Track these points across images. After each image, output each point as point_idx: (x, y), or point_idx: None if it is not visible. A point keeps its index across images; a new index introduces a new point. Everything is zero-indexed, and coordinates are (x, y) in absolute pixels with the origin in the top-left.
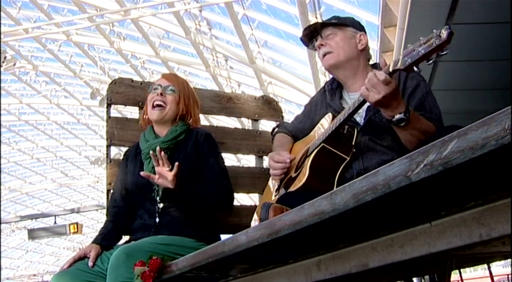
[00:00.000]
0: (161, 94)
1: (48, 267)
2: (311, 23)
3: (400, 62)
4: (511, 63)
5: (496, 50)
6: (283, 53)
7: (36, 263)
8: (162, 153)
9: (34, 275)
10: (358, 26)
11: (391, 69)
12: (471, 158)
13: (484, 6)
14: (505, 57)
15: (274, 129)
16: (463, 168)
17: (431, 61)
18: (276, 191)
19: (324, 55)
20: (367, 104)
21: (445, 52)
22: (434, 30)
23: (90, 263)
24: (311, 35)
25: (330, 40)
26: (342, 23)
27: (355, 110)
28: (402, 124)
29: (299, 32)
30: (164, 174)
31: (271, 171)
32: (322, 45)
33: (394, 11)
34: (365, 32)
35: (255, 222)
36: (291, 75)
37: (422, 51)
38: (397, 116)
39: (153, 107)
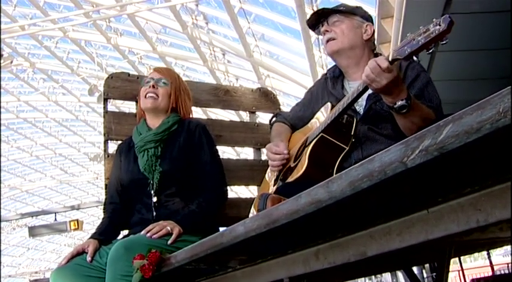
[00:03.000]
0: (153, 86)
1: (49, 264)
2: (318, 9)
3: (399, 51)
4: (511, 52)
5: (493, 40)
6: (280, 46)
7: (37, 260)
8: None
9: (36, 272)
10: (366, 16)
11: (390, 58)
12: (466, 142)
13: None
14: (502, 47)
15: (272, 118)
16: (458, 153)
17: (431, 50)
18: (274, 182)
19: (328, 41)
20: (368, 92)
21: (445, 41)
22: (434, 20)
23: (89, 258)
24: (318, 20)
25: (336, 27)
26: (349, 11)
27: (355, 98)
28: (404, 111)
29: (296, 25)
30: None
31: (269, 163)
32: (327, 31)
33: (391, 2)
34: (372, 23)
35: (252, 215)
36: (289, 68)
37: (422, 41)
38: (399, 103)
39: (145, 97)
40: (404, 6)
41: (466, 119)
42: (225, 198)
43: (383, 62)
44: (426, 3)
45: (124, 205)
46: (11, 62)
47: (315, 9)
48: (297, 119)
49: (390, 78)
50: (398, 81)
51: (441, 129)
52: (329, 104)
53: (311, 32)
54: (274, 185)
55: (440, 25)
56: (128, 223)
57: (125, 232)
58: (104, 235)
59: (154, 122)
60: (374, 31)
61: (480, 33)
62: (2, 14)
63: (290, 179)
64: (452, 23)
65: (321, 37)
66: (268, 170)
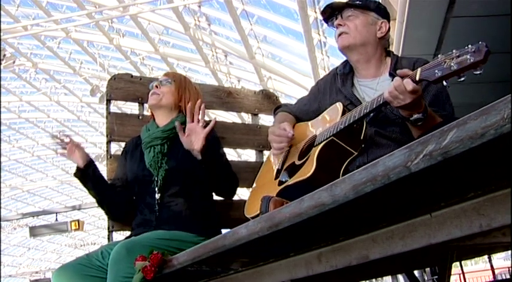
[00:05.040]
0: (157, 86)
1: (50, 264)
2: (333, 1)
3: (428, 72)
4: (511, 55)
5: (495, 43)
6: (282, 48)
7: (38, 260)
8: (203, 105)
9: (36, 272)
10: (382, 13)
11: (417, 78)
12: (470, 147)
13: None
14: (504, 50)
15: (276, 108)
16: (462, 158)
17: (462, 78)
18: (276, 174)
19: (340, 35)
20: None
21: (479, 71)
22: (469, 45)
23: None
24: (332, 13)
25: (350, 21)
26: (366, 6)
27: (373, 110)
28: (419, 123)
29: (299, 27)
30: (197, 130)
31: (273, 145)
32: (340, 25)
33: (393, 4)
34: (388, 20)
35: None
36: (291, 70)
37: (455, 67)
38: (415, 116)
39: (150, 96)
40: (406, 8)
41: (470, 124)
42: (237, 182)
43: (409, 85)
44: (429, 6)
45: (126, 196)
46: (14, 62)
47: (318, 11)
48: (302, 112)
49: (414, 97)
50: (420, 98)
51: (445, 134)
52: (339, 104)
53: (313, 34)
54: (276, 177)
55: (475, 53)
56: (126, 218)
57: (127, 233)
58: (98, 173)
59: (163, 121)
60: (389, 28)
61: (483, 36)
62: (5, 14)
63: (295, 180)
64: (489, 52)
65: (323, 39)
66: (271, 153)
